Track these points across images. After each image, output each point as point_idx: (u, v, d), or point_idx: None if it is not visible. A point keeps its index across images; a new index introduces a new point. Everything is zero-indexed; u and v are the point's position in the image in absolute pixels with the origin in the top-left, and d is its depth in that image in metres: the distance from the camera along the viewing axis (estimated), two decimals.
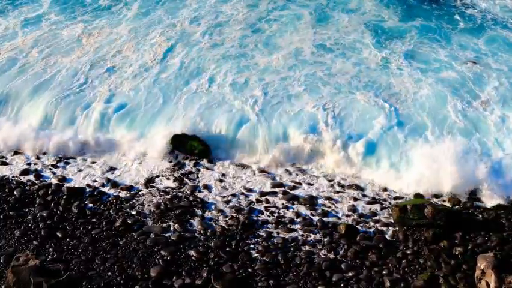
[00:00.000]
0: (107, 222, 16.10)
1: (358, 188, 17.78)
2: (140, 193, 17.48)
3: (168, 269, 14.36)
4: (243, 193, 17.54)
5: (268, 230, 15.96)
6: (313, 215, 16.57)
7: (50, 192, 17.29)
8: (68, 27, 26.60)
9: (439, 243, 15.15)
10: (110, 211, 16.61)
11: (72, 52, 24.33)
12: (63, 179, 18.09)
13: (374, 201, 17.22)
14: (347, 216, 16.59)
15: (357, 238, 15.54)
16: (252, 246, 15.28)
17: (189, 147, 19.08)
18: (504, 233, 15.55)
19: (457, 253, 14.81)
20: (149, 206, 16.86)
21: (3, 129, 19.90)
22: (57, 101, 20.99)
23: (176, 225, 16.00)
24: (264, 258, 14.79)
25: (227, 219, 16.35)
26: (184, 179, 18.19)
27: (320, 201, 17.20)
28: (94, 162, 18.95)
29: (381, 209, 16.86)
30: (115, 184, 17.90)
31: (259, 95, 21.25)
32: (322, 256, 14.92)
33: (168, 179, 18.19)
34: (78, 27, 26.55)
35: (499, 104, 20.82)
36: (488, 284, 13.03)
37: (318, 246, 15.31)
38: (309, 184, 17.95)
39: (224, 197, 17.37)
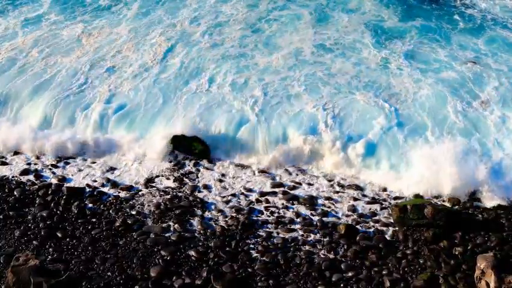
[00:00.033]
0: (107, 222, 16.11)
1: (358, 188, 17.78)
2: (140, 193, 17.48)
3: (168, 269, 14.36)
4: (242, 193, 17.54)
5: (268, 230, 15.96)
6: (313, 215, 16.58)
7: (50, 192, 17.30)
8: (68, 27, 26.60)
9: (439, 243, 15.15)
10: (110, 211, 16.61)
11: (72, 52, 24.34)
12: (63, 179, 18.10)
13: (373, 201, 17.22)
14: (347, 216, 16.59)
15: (357, 238, 15.54)
16: (251, 246, 15.29)
17: (189, 148, 19.08)
18: (504, 233, 15.55)
19: (456, 253, 14.82)
20: (149, 206, 16.86)
21: (3, 130, 19.88)
22: (57, 101, 20.99)
23: (176, 225, 16.00)
24: (264, 258, 14.79)
25: (227, 219, 16.36)
26: (184, 179, 18.19)
27: (319, 201, 17.20)
28: (93, 162, 18.96)
29: (381, 209, 16.86)
30: (114, 184, 17.90)
31: (259, 95, 21.25)
32: (322, 256, 14.92)
33: (168, 179, 18.19)
34: (78, 27, 26.55)
35: (499, 104, 20.81)
36: (488, 284, 13.03)
37: (318, 246, 15.31)
38: (309, 184, 17.95)
39: (224, 197, 17.37)
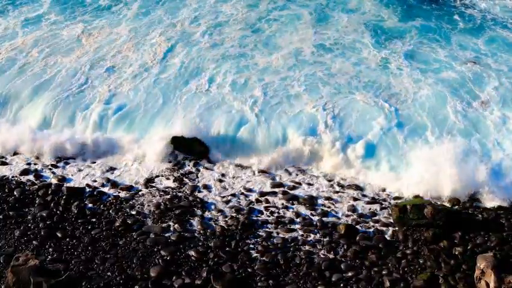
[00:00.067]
0: (107, 222, 16.11)
1: (358, 188, 17.78)
2: (140, 193, 17.48)
3: (168, 269, 14.36)
4: (242, 193, 17.55)
5: (268, 230, 15.96)
6: (313, 215, 16.58)
7: (49, 192, 17.30)
8: (68, 27, 26.62)
9: (439, 243, 15.15)
10: (110, 211, 16.61)
11: (72, 52, 24.34)
12: (63, 179, 18.10)
13: (373, 201, 17.22)
14: (347, 216, 16.59)
15: (357, 238, 15.54)
16: (251, 246, 15.29)
17: (189, 148, 19.06)
18: (504, 233, 15.56)
19: (456, 253, 14.82)
20: (149, 206, 16.86)
21: (2, 131, 19.85)
22: (56, 102, 20.97)
23: (176, 225, 16.00)
24: (264, 258, 14.80)
25: (227, 219, 16.36)
26: (184, 179, 18.20)
27: (319, 201, 17.20)
28: (93, 162, 18.96)
29: (381, 209, 16.86)
30: (114, 184, 17.90)
31: (258, 95, 21.24)
32: (322, 256, 14.93)
33: (168, 179, 18.19)
34: (78, 27, 26.56)
35: (499, 104, 20.79)
36: (487, 284, 13.03)
37: (317, 246, 15.31)
38: (309, 184, 17.95)
39: (224, 197, 17.38)
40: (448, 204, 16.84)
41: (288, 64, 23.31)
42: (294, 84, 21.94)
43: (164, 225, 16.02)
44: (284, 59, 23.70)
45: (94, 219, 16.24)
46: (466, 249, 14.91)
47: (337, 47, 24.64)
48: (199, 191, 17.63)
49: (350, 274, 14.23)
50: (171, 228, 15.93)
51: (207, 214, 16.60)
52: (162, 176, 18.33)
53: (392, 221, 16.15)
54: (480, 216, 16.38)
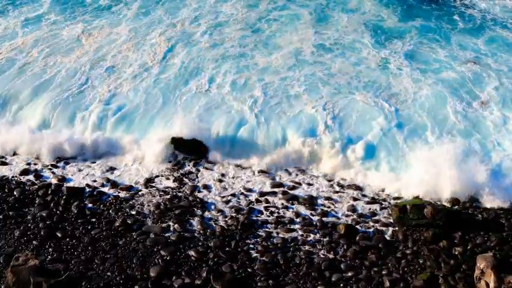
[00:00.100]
0: (106, 222, 16.11)
1: (358, 188, 17.78)
2: (139, 193, 17.48)
3: (168, 269, 14.36)
4: (242, 193, 17.54)
5: (267, 230, 15.96)
6: (313, 215, 16.58)
7: (49, 192, 17.30)
8: (68, 27, 26.63)
9: (439, 243, 15.15)
10: (110, 211, 16.62)
11: (72, 52, 24.35)
12: (63, 179, 18.10)
13: (373, 201, 17.22)
14: (347, 216, 16.59)
15: (357, 238, 15.54)
16: (251, 246, 15.29)
17: (188, 149, 19.03)
18: (503, 233, 15.56)
19: (456, 253, 14.82)
20: (148, 206, 16.87)
21: (2, 132, 19.81)
22: (56, 102, 20.96)
23: (176, 225, 16.00)
24: (264, 258, 14.80)
25: (227, 219, 16.36)
26: (184, 179, 18.20)
27: (319, 201, 17.20)
28: (93, 162, 18.95)
29: (381, 209, 16.86)
30: (114, 184, 17.90)
31: (258, 95, 21.24)
32: (321, 256, 14.93)
33: (168, 179, 18.19)
34: (78, 27, 26.58)
35: (499, 105, 20.77)
36: (487, 284, 13.03)
37: (317, 246, 15.32)
38: (309, 184, 17.95)
39: (224, 197, 17.38)
40: (447, 204, 16.82)
41: (288, 64, 23.31)
42: (294, 84, 21.94)
43: (164, 225, 16.02)
44: (284, 59, 23.70)
45: (93, 219, 16.24)
46: (466, 249, 14.91)
47: (337, 47, 24.65)
48: (199, 191, 17.63)
49: (349, 274, 14.24)
50: (171, 228, 15.93)
51: (207, 214, 16.60)
52: (162, 176, 18.33)
53: (391, 221, 16.15)
54: (480, 216, 16.38)
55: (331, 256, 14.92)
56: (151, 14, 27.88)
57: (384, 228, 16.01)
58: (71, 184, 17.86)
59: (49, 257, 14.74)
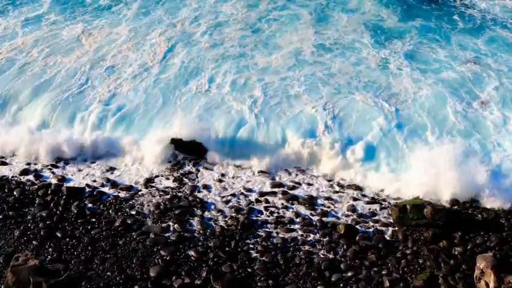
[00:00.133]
0: (106, 222, 16.11)
1: (357, 188, 17.77)
2: (139, 193, 17.48)
3: (168, 269, 14.36)
4: (242, 193, 17.54)
5: (267, 230, 15.96)
6: (313, 215, 16.58)
7: (49, 192, 17.30)
8: (68, 27, 26.63)
9: (438, 243, 15.16)
10: (110, 211, 16.62)
11: (72, 52, 24.35)
12: (62, 179, 18.09)
13: (373, 201, 17.22)
14: (347, 216, 16.59)
15: (357, 238, 15.55)
16: (251, 246, 15.29)
17: (188, 149, 19.00)
18: (503, 233, 15.56)
19: (456, 253, 14.82)
20: (148, 206, 16.87)
21: (2, 132, 19.75)
22: (56, 103, 20.92)
23: (175, 225, 16.00)
24: (264, 258, 14.80)
25: (226, 219, 16.36)
26: (184, 179, 18.20)
27: (319, 201, 17.20)
28: (93, 162, 18.94)
29: (381, 209, 16.86)
30: (114, 184, 17.90)
31: (258, 96, 21.23)
32: (321, 256, 14.93)
33: (168, 179, 18.19)
34: (78, 27, 26.57)
35: (499, 105, 20.75)
36: (487, 284, 13.03)
37: (317, 246, 15.32)
38: (309, 184, 17.95)
39: (223, 197, 17.37)
40: (447, 205, 16.79)
41: (287, 64, 23.31)
42: (293, 84, 21.94)
43: (164, 225, 16.03)
44: (284, 59, 23.70)
45: (93, 219, 16.24)
46: (466, 249, 14.91)
47: (337, 47, 24.65)
48: (199, 191, 17.63)
49: (349, 274, 14.24)
50: (171, 228, 15.93)
51: (207, 214, 16.60)
52: (162, 176, 18.33)
53: (391, 221, 16.15)
54: (480, 216, 16.38)
55: (331, 256, 14.93)
56: (151, 14, 27.88)
57: (384, 228, 16.02)
58: (71, 184, 17.86)
59: (49, 257, 14.74)
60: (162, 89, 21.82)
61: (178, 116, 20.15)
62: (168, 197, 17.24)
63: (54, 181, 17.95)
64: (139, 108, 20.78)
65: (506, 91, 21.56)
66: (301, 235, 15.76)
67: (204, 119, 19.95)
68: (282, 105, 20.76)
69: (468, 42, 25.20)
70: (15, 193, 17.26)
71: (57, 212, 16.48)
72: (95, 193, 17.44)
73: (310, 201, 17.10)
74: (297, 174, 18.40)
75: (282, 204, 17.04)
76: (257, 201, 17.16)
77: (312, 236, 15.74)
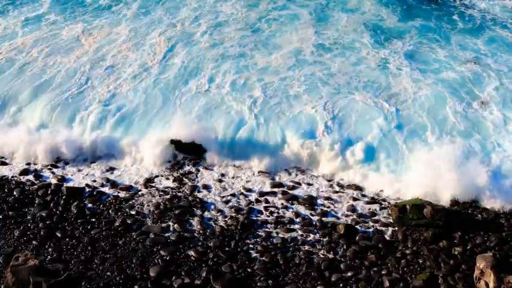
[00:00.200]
0: (106, 222, 16.12)
1: (357, 188, 17.77)
2: (139, 193, 17.48)
3: (167, 269, 14.37)
4: (242, 193, 17.54)
5: (267, 230, 15.96)
6: (313, 215, 16.58)
7: (49, 192, 17.30)
8: (68, 27, 26.63)
9: (438, 243, 15.16)
10: (110, 211, 16.62)
11: (72, 52, 24.35)
12: (62, 179, 18.09)
13: (373, 201, 17.22)
14: (346, 216, 16.59)
15: (357, 238, 15.55)
16: (251, 246, 15.29)
17: (188, 150, 18.98)
18: (503, 233, 15.56)
19: (456, 253, 14.82)
20: (148, 206, 16.87)
21: (1, 133, 19.71)
22: (55, 103, 20.88)
23: (175, 225, 16.01)
24: (263, 258, 14.80)
25: (226, 219, 16.36)
26: (184, 179, 18.20)
27: (319, 201, 17.20)
28: (93, 162, 18.94)
29: (381, 209, 16.86)
30: (114, 184, 17.90)
31: (258, 96, 21.22)
32: (321, 256, 14.93)
33: (167, 179, 18.19)
34: (78, 27, 26.58)
35: (499, 105, 20.73)
36: (487, 284, 13.03)
37: (317, 246, 15.32)
38: (309, 184, 17.95)
39: (223, 197, 17.38)
40: (447, 205, 16.78)
41: (287, 64, 23.31)
42: (293, 84, 21.93)
43: (163, 225, 16.03)
44: (284, 58, 23.71)
45: (93, 219, 16.24)
46: (466, 249, 14.92)
47: (336, 46, 24.65)
48: (199, 191, 17.63)
49: (349, 274, 14.24)
50: (171, 228, 15.93)
51: (207, 214, 16.60)
52: (162, 176, 18.33)
53: (391, 221, 16.15)
54: (480, 216, 16.38)
55: (331, 256, 14.93)
56: (151, 14, 27.89)
57: (384, 228, 16.02)
58: (70, 184, 17.86)
59: (49, 257, 14.74)
60: (162, 89, 21.81)
61: (178, 116, 20.12)
62: (168, 197, 17.24)
63: (54, 181, 17.95)
64: (138, 108, 20.77)
65: (506, 91, 21.55)
66: (301, 235, 15.76)
67: (203, 120, 19.94)
68: (281, 105, 20.75)
69: (468, 42, 25.20)
70: (15, 193, 17.26)
71: (57, 212, 16.49)
72: (95, 193, 17.44)
73: (310, 201, 17.10)
74: (297, 174, 18.40)
75: (282, 204, 17.04)
76: (257, 201, 17.16)
77: (312, 236, 15.74)
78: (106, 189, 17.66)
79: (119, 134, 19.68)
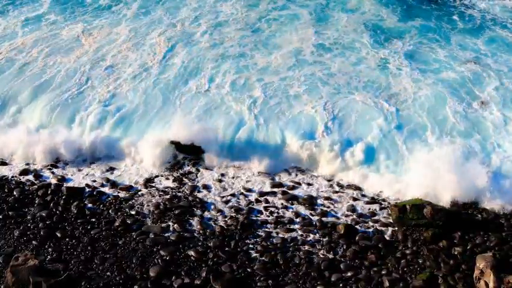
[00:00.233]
0: (106, 222, 16.12)
1: (357, 188, 17.76)
2: (139, 193, 17.48)
3: (167, 268, 14.37)
4: (242, 193, 17.54)
5: (267, 230, 15.96)
6: (313, 215, 16.58)
7: (49, 192, 17.30)
8: (68, 27, 26.64)
9: (438, 243, 15.16)
10: (110, 211, 16.62)
11: (72, 52, 24.35)
12: (62, 179, 18.09)
13: (373, 201, 17.21)
14: (346, 216, 16.59)
15: (356, 238, 15.54)
16: (251, 246, 15.29)
17: (188, 151, 18.97)
18: (503, 233, 15.56)
19: (456, 253, 14.82)
20: (148, 206, 16.87)
21: (0, 133, 19.69)
22: (55, 103, 20.86)
23: (175, 225, 16.01)
24: (263, 258, 14.80)
25: (226, 219, 16.36)
26: (184, 179, 18.19)
27: (319, 201, 17.20)
28: (93, 163, 18.93)
29: (381, 209, 16.85)
30: (114, 184, 17.90)
31: (258, 96, 21.21)
32: (321, 256, 14.93)
33: (167, 179, 18.19)
34: (78, 27, 26.58)
35: (499, 105, 20.72)
36: (487, 284, 13.03)
37: (317, 246, 15.32)
38: (308, 184, 17.95)
39: (223, 197, 17.37)
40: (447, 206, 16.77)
41: (287, 64, 23.31)
42: (293, 84, 21.93)
43: (163, 225, 16.03)
44: (284, 58, 23.71)
45: (93, 219, 16.24)
46: (466, 249, 14.91)
47: (336, 46, 24.65)
48: (199, 191, 17.63)
49: (349, 274, 14.24)
50: (171, 228, 15.93)
51: (207, 214, 16.60)
52: (162, 176, 18.33)
53: (391, 221, 16.15)
54: (479, 216, 16.37)
55: (330, 256, 14.93)
56: (151, 14, 27.89)
57: (383, 228, 16.01)
58: (70, 184, 17.86)
59: (49, 256, 14.75)
60: (162, 89, 21.81)
61: (177, 117, 20.07)
62: (168, 197, 17.24)
63: (54, 181, 17.95)
64: (138, 108, 20.75)
65: (506, 91, 21.54)
66: (301, 235, 15.76)
67: (203, 120, 19.91)
68: (281, 105, 20.74)
69: (468, 42, 25.20)
70: (15, 193, 17.26)
71: (57, 212, 16.49)
72: (95, 193, 17.44)
73: (310, 201, 17.10)
74: (296, 174, 18.40)
75: (282, 204, 17.04)
76: (257, 201, 17.16)
77: (311, 236, 15.74)
78: (106, 189, 17.67)
79: (118, 135, 19.60)
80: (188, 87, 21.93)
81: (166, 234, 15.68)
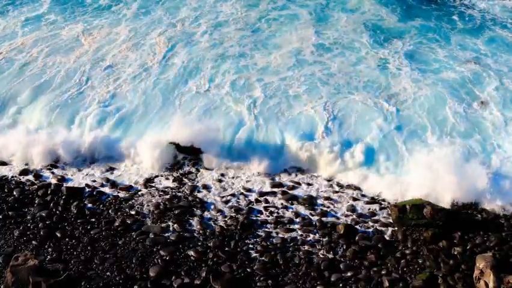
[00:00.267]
0: (106, 222, 16.12)
1: (357, 188, 17.76)
2: (139, 193, 17.48)
3: (167, 268, 14.37)
4: (242, 193, 17.54)
5: (267, 230, 15.96)
6: (313, 215, 16.58)
7: (49, 192, 17.30)
8: (68, 27, 26.65)
9: (438, 243, 15.16)
10: (110, 211, 16.62)
11: (71, 52, 24.35)
12: (62, 179, 18.09)
13: (373, 201, 17.21)
14: (346, 216, 16.59)
15: (356, 238, 15.54)
16: (251, 246, 15.29)
17: (187, 151, 18.95)
18: (503, 233, 15.56)
19: (455, 253, 14.82)
20: (148, 206, 16.87)
21: (0, 134, 19.66)
22: (55, 104, 20.83)
23: (175, 225, 16.01)
24: (263, 258, 14.80)
25: (226, 219, 16.36)
26: (184, 179, 18.20)
27: (319, 201, 17.19)
28: (92, 163, 18.92)
29: (380, 209, 16.85)
30: (114, 184, 17.90)
31: (257, 96, 21.21)
32: (321, 256, 14.93)
33: (167, 179, 18.19)
34: (78, 27, 26.60)
35: (499, 105, 20.71)
36: (486, 284, 13.03)
37: (317, 246, 15.31)
38: (308, 184, 17.95)
39: (223, 197, 17.37)
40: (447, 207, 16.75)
41: (287, 64, 23.31)
42: (293, 84, 21.93)
43: (163, 225, 16.03)
44: (283, 58, 23.71)
45: (93, 219, 16.24)
46: (465, 249, 14.91)
47: (336, 46, 24.66)
48: (199, 191, 17.63)
49: (349, 274, 14.24)
50: (170, 228, 15.93)
51: (206, 214, 16.60)
52: (161, 176, 18.33)
53: (391, 221, 16.15)
54: (479, 216, 16.37)
55: (330, 256, 14.93)
56: (151, 14, 27.90)
57: (383, 228, 16.01)
58: (70, 184, 17.86)
59: (48, 256, 14.74)
60: (161, 89, 21.81)
61: (177, 118, 20.03)
62: (168, 197, 17.24)
63: (54, 181, 17.95)
64: (138, 109, 20.73)
65: (506, 91, 21.54)
66: (301, 235, 15.76)
67: (203, 121, 19.89)
68: (281, 105, 20.73)
69: (468, 42, 25.20)
70: (15, 193, 17.26)
71: (57, 212, 16.49)
72: (94, 193, 17.44)
73: (310, 201, 17.10)
74: (296, 174, 18.39)
75: (282, 204, 17.04)
76: (257, 201, 17.16)
77: (311, 236, 15.74)
78: (106, 189, 17.66)
79: (118, 136, 19.56)
80: (188, 87, 21.94)
81: (166, 234, 15.68)
